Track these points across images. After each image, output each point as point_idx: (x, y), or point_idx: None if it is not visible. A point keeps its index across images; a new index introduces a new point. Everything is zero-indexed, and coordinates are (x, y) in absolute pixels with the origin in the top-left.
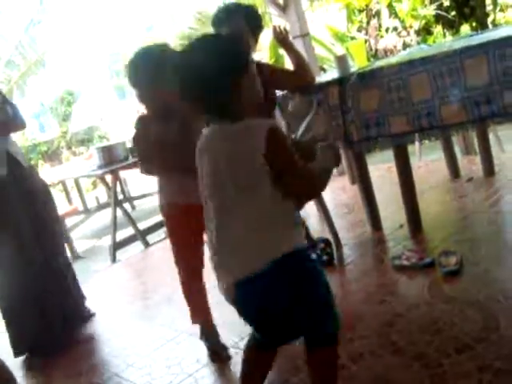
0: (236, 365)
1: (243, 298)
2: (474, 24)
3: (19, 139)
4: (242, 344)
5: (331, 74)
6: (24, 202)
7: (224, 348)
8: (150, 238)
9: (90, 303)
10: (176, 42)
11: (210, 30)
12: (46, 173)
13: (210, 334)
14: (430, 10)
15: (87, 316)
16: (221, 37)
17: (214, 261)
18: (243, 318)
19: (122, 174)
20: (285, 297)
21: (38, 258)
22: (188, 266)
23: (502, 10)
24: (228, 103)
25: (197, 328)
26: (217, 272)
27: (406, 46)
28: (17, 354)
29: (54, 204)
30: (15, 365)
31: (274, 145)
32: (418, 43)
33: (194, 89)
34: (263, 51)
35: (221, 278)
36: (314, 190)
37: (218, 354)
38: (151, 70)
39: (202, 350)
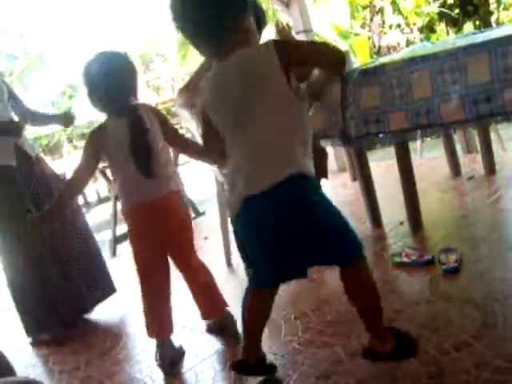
0: (232, 358)
1: (276, 200)
2: (477, 22)
3: None
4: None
5: None
6: (34, 191)
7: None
8: None
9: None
10: (176, 42)
11: None
12: None
13: (168, 349)
14: (434, 8)
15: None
16: None
17: (243, 170)
18: (262, 231)
19: None
20: (310, 205)
21: (53, 248)
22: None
23: (505, 9)
24: (242, 32)
25: (196, 323)
26: (245, 179)
27: (409, 43)
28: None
29: None
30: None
31: (285, 44)
32: (421, 40)
33: (215, 18)
34: None
35: (253, 184)
36: (340, 54)
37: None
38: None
39: (201, 344)
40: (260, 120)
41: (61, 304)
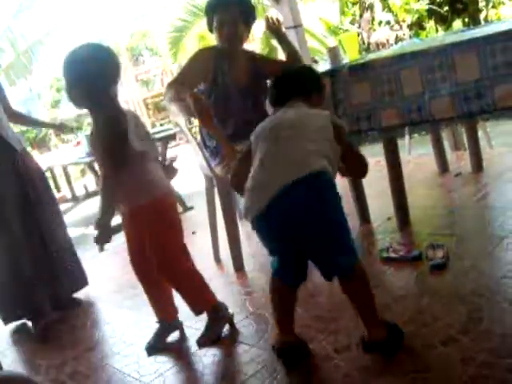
0: (220, 353)
1: (294, 197)
2: (466, 20)
3: None
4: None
5: (323, 66)
6: (15, 185)
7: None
8: None
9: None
10: (167, 33)
11: (202, 20)
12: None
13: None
14: (423, 5)
15: (73, 304)
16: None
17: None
18: (279, 225)
19: None
20: (321, 202)
21: (30, 240)
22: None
23: (494, 7)
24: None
25: (193, 320)
26: (266, 183)
27: (398, 39)
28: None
29: (48, 188)
30: (2, 352)
31: (337, 128)
32: (411, 37)
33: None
34: (256, 42)
35: (272, 186)
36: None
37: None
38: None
39: (188, 338)
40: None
41: (35, 294)
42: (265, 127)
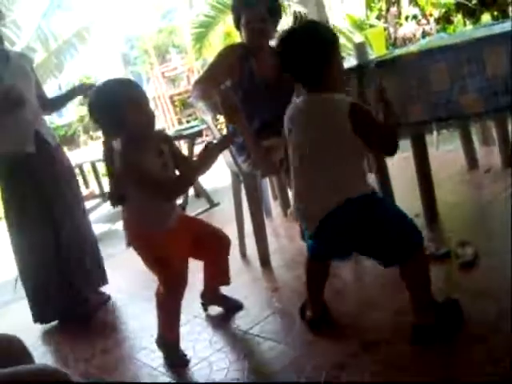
0: (246, 349)
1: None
2: (495, 13)
3: None
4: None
5: (350, 62)
6: (50, 179)
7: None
8: None
9: (105, 287)
10: (191, 29)
11: (227, 17)
12: None
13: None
14: None
15: (102, 301)
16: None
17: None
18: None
19: None
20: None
21: (60, 234)
22: None
23: None
24: (322, 75)
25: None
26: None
27: (425, 34)
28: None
29: (77, 184)
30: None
31: (358, 118)
32: (438, 32)
33: (301, 63)
34: None
35: (318, 204)
36: (393, 147)
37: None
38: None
39: (215, 334)
40: (319, 161)
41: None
42: (292, 124)
